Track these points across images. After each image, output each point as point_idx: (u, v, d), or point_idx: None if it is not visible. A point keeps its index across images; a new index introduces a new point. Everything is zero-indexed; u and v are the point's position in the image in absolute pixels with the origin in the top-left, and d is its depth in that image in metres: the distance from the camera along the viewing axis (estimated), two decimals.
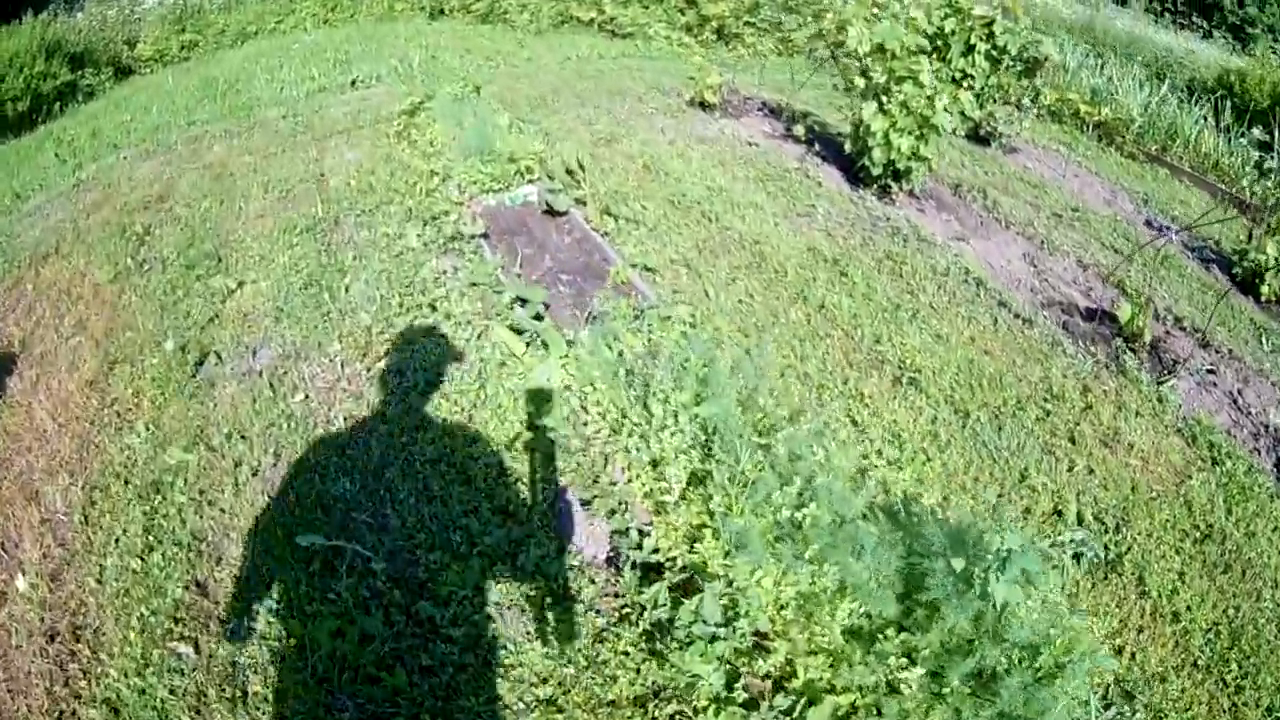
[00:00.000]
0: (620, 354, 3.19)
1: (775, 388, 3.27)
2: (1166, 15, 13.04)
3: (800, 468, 2.32)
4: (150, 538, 2.73)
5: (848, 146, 5.39)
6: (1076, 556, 2.69)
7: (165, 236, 4.93)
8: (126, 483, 2.98)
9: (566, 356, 3.21)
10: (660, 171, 5.59)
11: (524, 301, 3.59)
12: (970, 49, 6.18)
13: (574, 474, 2.95)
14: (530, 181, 4.93)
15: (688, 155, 5.92)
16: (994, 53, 6.25)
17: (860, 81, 5.19)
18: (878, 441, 3.11)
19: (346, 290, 4.10)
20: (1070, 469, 3.07)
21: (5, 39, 8.46)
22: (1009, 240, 4.65)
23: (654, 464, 2.71)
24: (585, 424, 3.12)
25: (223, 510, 2.87)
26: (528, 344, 3.33)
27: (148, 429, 3.31)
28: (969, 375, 3.44)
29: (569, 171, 5.31)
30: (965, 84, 5.95)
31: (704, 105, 7.00)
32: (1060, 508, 2.87)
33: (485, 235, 4.39)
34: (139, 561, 2.67)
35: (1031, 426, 3.21)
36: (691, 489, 2.49)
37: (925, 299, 3.98)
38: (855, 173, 5.40)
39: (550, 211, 4.72)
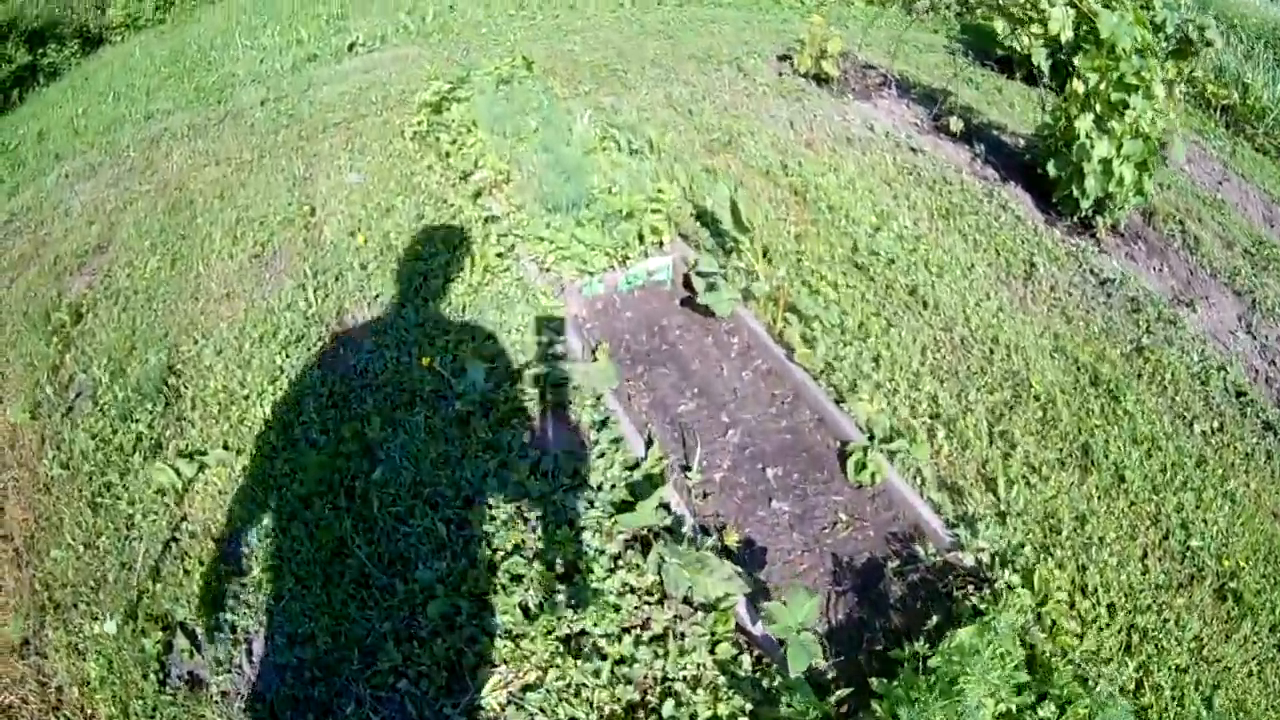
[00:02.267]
0: None
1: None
2: None
3: None
4: None
5: (1051, 169, 4.08)
6: None
7: (97, 332, 3.24)
8: None
9: None
10: (819, 203, 3.81)
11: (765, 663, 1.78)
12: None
13: None
14: (657, 244, 3.15)
15: (841, 168, 4.16)
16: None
17: (1078, 86, 3.81)
18: None
19: (382, 506, 2.36)
20: None
21: None
22: (1222, 298, 3.88)
23: None
24: None
25: None
26: None
27: None
28: (1274, 565, 2.54)
29: (701, 216, 3.52)
30: None
31: (820, 79, 5.13)
32: None
33: (615, 391, 2.60)
34: None
35: None
36: None
37: (1199, 429, 3.00)
38: (1049, 199, 4.17)
39: (694, 304, 2.98)
